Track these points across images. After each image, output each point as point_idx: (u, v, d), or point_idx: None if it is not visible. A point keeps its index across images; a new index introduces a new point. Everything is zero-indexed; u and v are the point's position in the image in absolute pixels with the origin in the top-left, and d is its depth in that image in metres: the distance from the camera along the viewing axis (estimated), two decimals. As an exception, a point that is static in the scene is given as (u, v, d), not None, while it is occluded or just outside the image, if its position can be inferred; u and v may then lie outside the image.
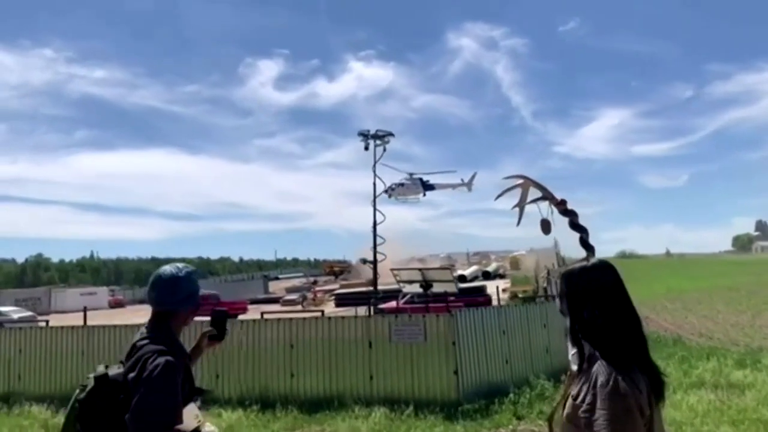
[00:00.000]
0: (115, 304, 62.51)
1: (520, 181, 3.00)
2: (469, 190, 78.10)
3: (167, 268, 2.89)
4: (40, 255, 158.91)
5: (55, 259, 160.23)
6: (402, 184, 77.34)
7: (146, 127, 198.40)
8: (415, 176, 78.06)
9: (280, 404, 12.21)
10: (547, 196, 2.96)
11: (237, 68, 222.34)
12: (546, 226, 2.98)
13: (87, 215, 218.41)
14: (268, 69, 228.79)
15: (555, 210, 2.97)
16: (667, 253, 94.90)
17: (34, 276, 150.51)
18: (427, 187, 78.92)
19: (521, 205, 3.03)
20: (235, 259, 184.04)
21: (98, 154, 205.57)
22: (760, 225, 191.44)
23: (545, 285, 31.02)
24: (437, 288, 16.59)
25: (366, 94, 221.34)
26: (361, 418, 11.01)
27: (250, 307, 43.45)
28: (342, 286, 54.18)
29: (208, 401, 12.77)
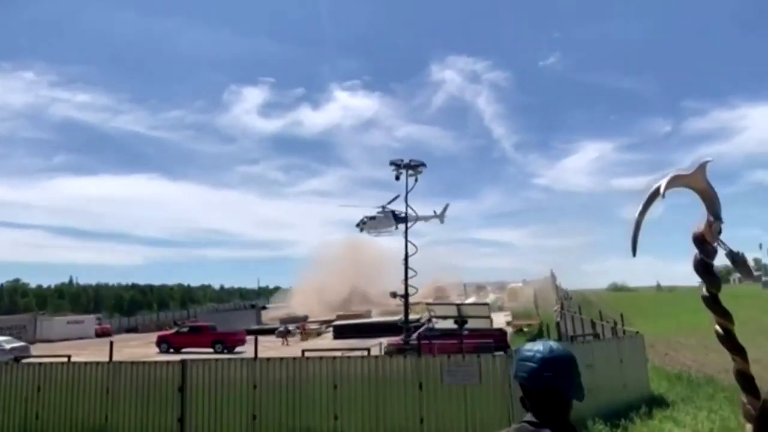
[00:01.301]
0: (102, 333, 60.55)
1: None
2: (442, 221, 77.84)
3: (563, 348, 2.19)
4: (17, 280, 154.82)
5: (32, 285, 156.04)
6: (374, 218, 76.87)
7: (128, 152, 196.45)
8: (387, 209, 77.69)
9: (327, 449, 11.52)
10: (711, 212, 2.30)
11: (221, 95, 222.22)
12: (742, 267, 2.43)
13: (65, 240, 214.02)
14: (253, 96, 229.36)
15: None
16: (658, 287, 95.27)
17: (11, 301, 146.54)
18: (400, 219, 78.39)
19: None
20: (216, 286, 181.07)
21: (78, 178, 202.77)
22: (731, 256, 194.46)
23: (558, 319, 30.63)
24: (471, 324, 16.10)
25: (350, 123, 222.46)
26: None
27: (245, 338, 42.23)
28: (339, 317, 53.14)
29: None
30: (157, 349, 38.29)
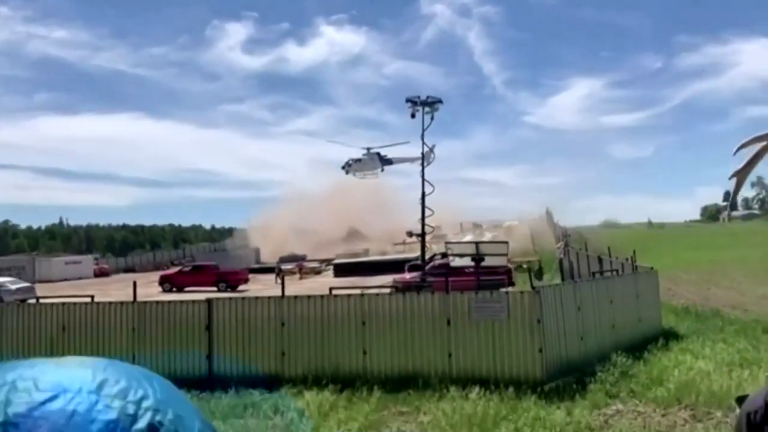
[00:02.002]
0: (100, 273, 60.85)
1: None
2: (428, 162, 77.51)
3: None
4: (6, 221, 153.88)
5: (22, 226, 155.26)
6: (359, 160, 76.11)
7: (110, 90, 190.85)
8: (372, 151, 76.93)
9: (359, 383, 11.71)
10: None
11: (204, 31, 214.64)
12: None
13: (52, 181, 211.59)
14: (237, 32, 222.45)
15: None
16: (649, 223, 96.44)
17: (2, 243, 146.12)
18: (385, 161, 77.90)
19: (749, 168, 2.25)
20: (207, 226, 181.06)
21: (61, 117, 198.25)
22: (727, 195, 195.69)
23: (561, 256, 31.01)
24: (489, 261, 16.23)
25: (337, 60, 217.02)
26: (458, 399, 10.57)
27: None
28: (338, 256, 53.52)
29: (281, 381, 12.24)
30: (159, 289, 38.57)
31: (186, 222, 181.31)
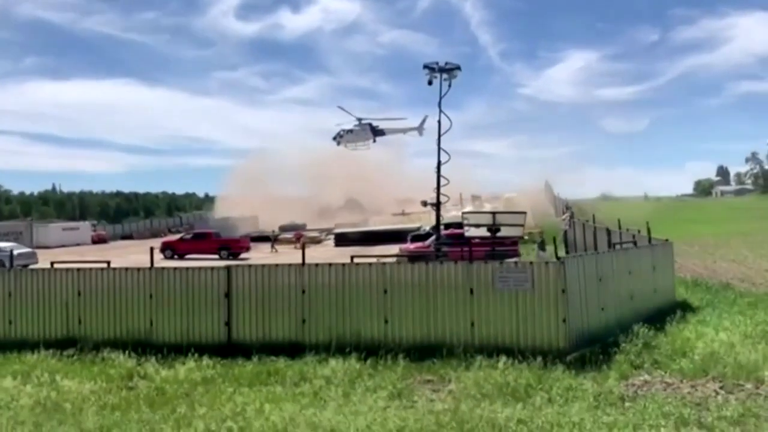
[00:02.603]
0: (98, 240, 60.61)
1: None
2: (420, 134, 76.50)
3: None
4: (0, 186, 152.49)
5: (15, 191, 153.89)
6: (351, 131, 75.19)
7: (101, 55, 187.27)
8: (364, 122, 75.93)
9: (382, 351, 11.67)
10: None
11: None
12: None
13: (44, 146, 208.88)
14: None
15: None
16: (645, 196, 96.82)
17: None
18: (377, 132, 77.10)
19: None
20: (201, 194, 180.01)
21: (50, 82, 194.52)
22: (721, 170, 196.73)
23: (566, 227, 30.97)
24: (504, 232, 16.13)
25: (332, 28, 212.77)
26: (486, 368, 10.55)
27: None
28: (337, 225, 53.41)
29: (302, 348, 12.18)
30: (161, 256, 38.44)
31: (180, 190, 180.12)
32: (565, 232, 31.18)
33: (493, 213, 15.34)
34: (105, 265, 13.74)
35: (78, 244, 55.21)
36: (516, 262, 12.66)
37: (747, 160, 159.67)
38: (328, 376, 10.58)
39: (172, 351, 12.27)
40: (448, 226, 37.91)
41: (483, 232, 15.65)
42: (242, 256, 38.81)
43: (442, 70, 21.20)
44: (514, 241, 25.93)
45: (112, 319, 13.39)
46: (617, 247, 15.50)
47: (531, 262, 12.39)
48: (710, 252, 27.50)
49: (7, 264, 29.05)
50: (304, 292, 12.80)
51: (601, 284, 13.06)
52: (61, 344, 13.08)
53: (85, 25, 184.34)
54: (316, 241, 49.24)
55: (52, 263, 14.01)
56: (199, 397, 9.76)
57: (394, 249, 34.44)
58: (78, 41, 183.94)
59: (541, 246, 27.34)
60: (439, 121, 22.16)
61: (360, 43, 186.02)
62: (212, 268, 13.37)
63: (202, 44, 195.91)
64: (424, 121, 76.06)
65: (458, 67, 21.30)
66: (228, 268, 13.21)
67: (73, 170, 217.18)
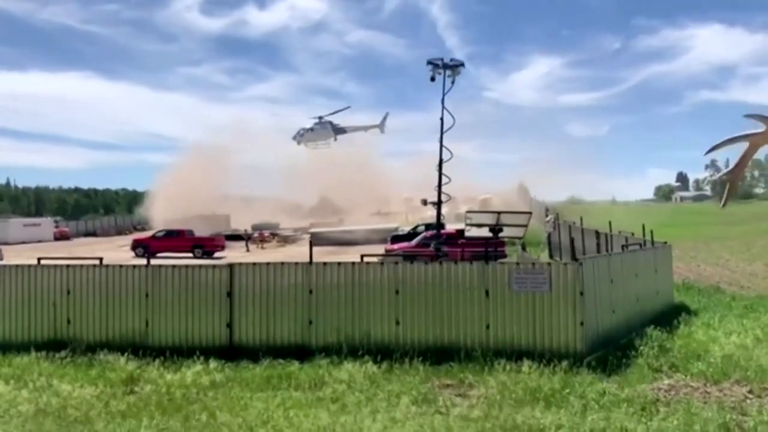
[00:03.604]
0: (61, 236, 58.42)
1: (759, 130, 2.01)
2: (382, 131, 76.23)
3: None
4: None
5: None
6: (312, 129, 74.09)
7: (59, 47, 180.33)
8: (324, 120, 74.94)
9: (397, 354, 11.26)
10: None
11: None
12: None
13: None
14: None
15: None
16: (613, 201, 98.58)
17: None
18: (338, 130, 76.31)
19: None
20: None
21: (6, 73, 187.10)
22: (680, 177, 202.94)
23: (551, 230, 31.04)
24: (507, 232, 15.90)
25: (299, 26, 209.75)
26: (509, 372, 10.24)
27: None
28: (312, 225, 52.67)
29: (309, 351, 11.68)
30: (132, 254, 37.20)
31: (141, 187, 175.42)
32: (549, 235, 31.25)
33: (498, 213, 15.09)
34: (96, 262, 12.96)
35: (40, 241, 53.09)
36: (533, 263, 12.41)
37: (707, 167, 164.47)
38: (345, 380, 10.12)
39: (173, 353, 11.60)
40: (428, 227, 37.78)
41: (485, 232, 15.44)
42: (216, 255, 37.87)
43: (446, 67, 20.92)
44: (501, 242, 25.80)
45: (104, 319, 12.61)
46: (625, 249, 15.39)
47: (549, 263, 12.18)
48: (692, 255, 27.91)
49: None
50: (311, 292, 12.28)
51: (612, 286, 12.92)
52: (48, 346, 12.26)
53: (43, 16, 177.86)
54: (291, 241, 48.39)
55: (38, 259, 13.14)
56: (212, 402, 9.19)
57: (373, 249, 34.12)
58: (36, 32, 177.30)
59: (523, 247, 27.34)
60: (441, 119, 21.89)
61: (327, 42, 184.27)
62: (214, 266, 12.74)
63: (165, 39, 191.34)
64: (385, 118, 75.89)
65: (462, 64, 21.08)
66: (230, 266, 12.60)
67: (29, 164, 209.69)
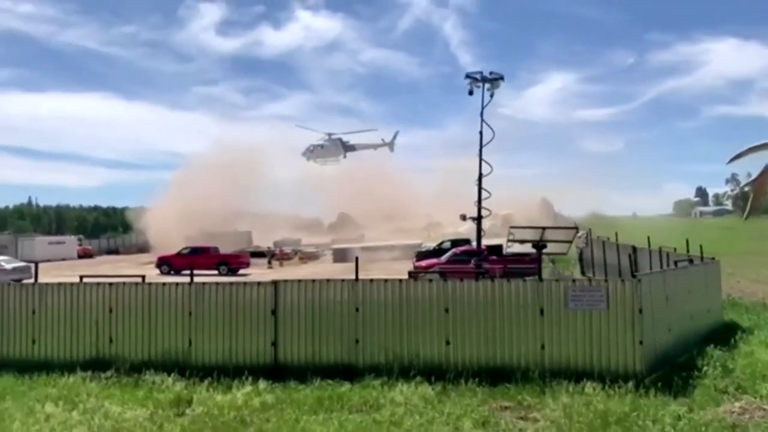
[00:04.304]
0: (84, 254, 58.76)
1: None
2: (391, 150, 75.99)
3: None
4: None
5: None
6: (321, 146, 74.01)
7: (79, 68, 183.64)
8: (334, 137, 74.88)
9: (450, 375, 10.89)
10: None
11: (177, 10, 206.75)
12: None
13: (19, 160, 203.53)
14: (210, 13, 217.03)
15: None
16: (634, 216, 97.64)
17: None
18: (348, 148, 76.26)
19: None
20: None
21: (27, 95, 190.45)
22: (699, 191, 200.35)
23: (583, 245, 30.49)
24: (550, 248, 15.51)
25: (313, 45, 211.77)
26: (574, 393, 9.83)
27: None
28: (334, 241, 52.47)
29: (356, 371, 11.34)
30: (157, 271, 37.15)
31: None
32: (581, 251, 30.70)
33: (543, 228, 14.71)
34: (138, 280, 12.78)
35: (64, 259, 53.34)
36: (590, 279, 12.01)
37: (727, 181, 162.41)
38: (401, 402, 9.76)
39: (218, 373, 11.32)
40: (454, 243, 37.39)
41: (527, 248, 15.09)
42: (241, 271, 37.76)
43: (485, 80, 20.70)
44: (533, 259, 25.32)
45: (146, 338, 12.40)
46: (676, 265, 14.94)
47: (606, 280, 11.76)
48: (729, 272, 27.15)
49: (0, 278, 27.71)
50: (357, 309, 11.98)
51: (668, 303, 12.47)
52: (91, 365, 12.08)
53: (63, 38, 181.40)
54: (314, 257, 48.20)
55: (81, 277, 13.00)
56: (266, 424, 8.90)
57: (396, 265, 33.73)
58: (56, 54, 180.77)
59: (553, 263, 26.89)
60: (480, 132, 21.63)
61: (340, 61, 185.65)
62: (258, 283, 12.49)
63: (181, 59, 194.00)
64: (395, 137, 75.81)
65: (502, 77, 20.85)
66: (275, 283, 12.35)
67: (49, 184, 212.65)
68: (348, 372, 11.50)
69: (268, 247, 50.81)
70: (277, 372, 11.67)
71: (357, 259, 12.53)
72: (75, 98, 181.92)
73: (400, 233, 58.52)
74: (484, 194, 22.65)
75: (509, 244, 15.65)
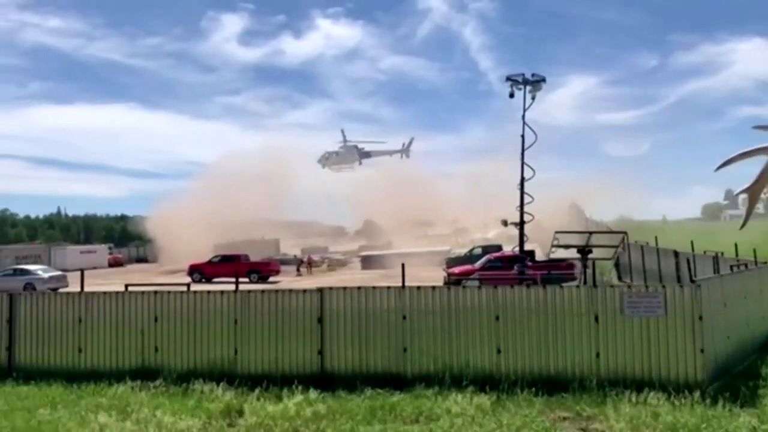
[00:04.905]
0: (115, 263, 59.51)
1: None
2: (407, 156, 75.37)
3: None
4: (5, 210, 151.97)
5: (21, 215, 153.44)
6: (337, 153, 73.73)
7: (105, 80, 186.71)
8: (350, 143, 74.60)
9: (504, 385, 10.60)
10: None
11: (199, 22, 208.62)
12: None
13: (47, 171, 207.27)
14: (232, 24, 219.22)
15: None
16: (664, 219, 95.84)
17: (1, 232, 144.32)
18: (363, 154, 75.90)
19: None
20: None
21: (54, 107, 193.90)
22: (728, 194, 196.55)
23: (620, 250, 29.78)
24: (596, 253, 15.16)
25: (333, 54, 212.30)
26: (638, 404, 9.47)
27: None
28: (362, 248, 52.33)
29: (404, 380, 11.10)
30: (188, 279, 37.33)
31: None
32: (618, 256, 30.04)
33: (589, 233, 14.37)
34: (183, 289, 12.74)
35: (95, 267, 53.99)
36: (646, 286, 11.65)
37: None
38: (457, 413, 9.50)
39: (266, 382, 11.18)
40: (485, 249, 36.98)
41: (572, 254, 14.74)
42: (271, 279, 37.79)
43: (526, 83, 20.40)
44: (570, 264, 24.91)
45: (192, 347, 12.32)
46: (732, 270, 14.46)
47: (663, 286, 11.38)
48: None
49: (37, 287, 28.10)
50: (404, 317, 11.76)
51: (726, 310, 12.03)
52: (136, 374, 12.03)
53: (89, 51, 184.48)
54: (342, 265, 48.11)
55: (126, 286, 13.00)
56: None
57: (424, 273, 33.43)
58: (82, 66, 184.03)
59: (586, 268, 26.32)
60: (522, 136, 21.28)
61: (361, 69, 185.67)
62: (304, 291, 12.35)
63: (204, 69, 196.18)
64: (410, 143, 75.36)
65: (543, 79, 20.52)
66: (321, 291, 12.20)
67: (77, 194, 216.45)
68: (396, 381, 11.28)
69: (295, 255, 50.83)
70: (324, 381, 11.49)
71: (403, 266, 12.31)
72: (101, 109, 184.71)
73: (426, 240, 58.20)
74: (525, 198, 22.24)
75: (553, 249, 15.29)
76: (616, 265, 29.83)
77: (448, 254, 41.43)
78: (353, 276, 39.89)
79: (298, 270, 44.60)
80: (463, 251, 40.49)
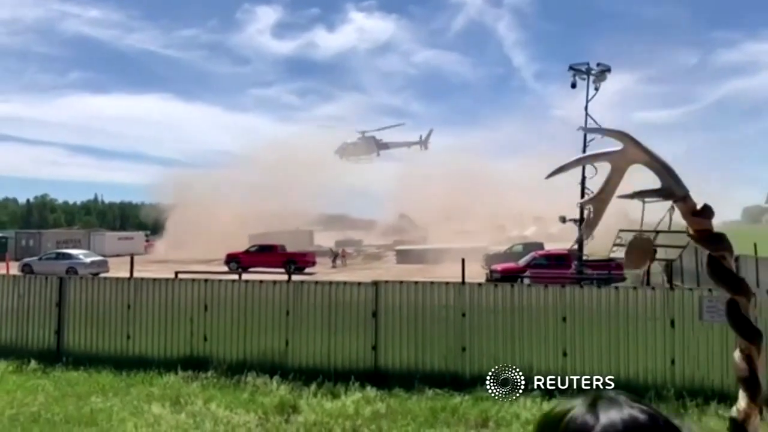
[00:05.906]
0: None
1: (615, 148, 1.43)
2: (426, 148, 73.73)
3: None
4: (45, 195, 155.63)
5: (59, 201, 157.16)
6: (354, 144, 72.55)
7: (141, 70, 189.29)
8: (367, 134, 73.31)
9: (572, 390, 9.98)
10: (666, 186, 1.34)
11: (234, 14, 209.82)
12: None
13: (84, 158, 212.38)
14: (267, 16, 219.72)
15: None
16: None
17: (41, 217, 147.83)
18: (381, 146, 74.59)
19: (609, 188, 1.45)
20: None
21: (92, 96, 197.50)
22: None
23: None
24: (660, 254, 14.40)
25: (366, 47, 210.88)
26: (719, 416, 8.77)
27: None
28: (396, 242, 51.84)
29: (463, 380, 10.55)
30: (225, 268, 37.36)
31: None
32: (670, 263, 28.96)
33: (656, 231, 13.60)
34: (235, 277, 12.39)
35: (132, 254, 54.63)
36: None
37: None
38: (527, 418, 8.92)
39: (323, 377, 10.75)
40: (526, 247, 36.16)
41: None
42: (307, 270, 37.58)
43: (589, 72, 19.57)
44: (619, 265, 23.99)
45: (242, 337, 11.97)
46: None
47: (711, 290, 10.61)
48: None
49: (79, 271, 28.30)
50: (464, 315, 11.21)
51: (811, 318, 11.17)
52: (184, 363, 11.69)
53: (127, 42, 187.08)
54: (376, 258, 47.71)
55: (176, 273, 12.72)
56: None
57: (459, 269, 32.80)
58: (120, 57, 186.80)
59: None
60: (585, 127, 20.45)
61: (393, 63, 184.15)
62: (359, 284, 11.89)
63: (238, 61, 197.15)
64: (429, 135, 73.99)
65: (608, 69, 19.65)
66: (376, 284, 11.72)
67: (113, 181, 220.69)
68: (453, 381, 10.75)
69: (331, 249, 50.58)
70: (377, 377, 11.02)
71: (463, 261, 11.77)
72: (137, 99, 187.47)
73: (463, 235, 57.37)
74: (587, 195, 21.41)
75: (614, 248, 14.53)
76: (667, 267, 28.76)
77: (486, 251, 40.61)
78: (388, 270, 39.45)
79: (333, 262, 44.36)
80: (501, 248, 39.63)
